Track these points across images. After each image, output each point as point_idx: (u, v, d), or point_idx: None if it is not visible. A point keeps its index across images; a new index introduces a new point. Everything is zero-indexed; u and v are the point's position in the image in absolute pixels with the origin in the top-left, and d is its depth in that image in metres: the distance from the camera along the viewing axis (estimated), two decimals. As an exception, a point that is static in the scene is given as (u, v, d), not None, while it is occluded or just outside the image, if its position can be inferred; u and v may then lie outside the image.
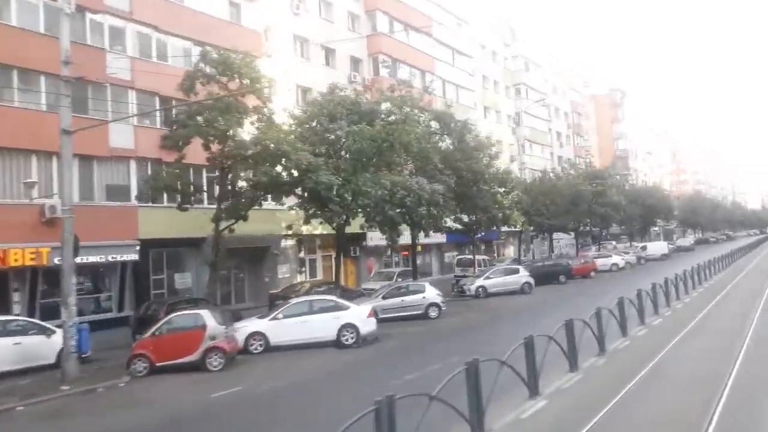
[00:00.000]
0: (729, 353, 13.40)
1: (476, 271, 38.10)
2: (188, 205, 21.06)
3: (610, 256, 48.13)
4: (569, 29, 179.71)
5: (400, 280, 31.54)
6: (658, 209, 67.30)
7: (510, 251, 58.69)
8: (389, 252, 40.66)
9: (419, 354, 17.87)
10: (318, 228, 27.17)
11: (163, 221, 25.40)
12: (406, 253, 43.22)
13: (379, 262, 41.00)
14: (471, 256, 41.09)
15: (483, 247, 54.34)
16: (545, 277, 37.77)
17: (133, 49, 26.07)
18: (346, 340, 19.25)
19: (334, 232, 26.26)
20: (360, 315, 19.66)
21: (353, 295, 27.72)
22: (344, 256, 38.22)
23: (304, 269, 33.66)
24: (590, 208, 48.39)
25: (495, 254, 56.11)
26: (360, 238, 35.45)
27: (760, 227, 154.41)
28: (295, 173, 18.94)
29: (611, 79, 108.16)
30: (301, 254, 34.06)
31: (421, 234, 33.48)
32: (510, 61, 62.77)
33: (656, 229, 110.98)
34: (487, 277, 34.04)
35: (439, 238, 40.62)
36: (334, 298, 20.26)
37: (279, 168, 19.11)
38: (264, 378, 15.74)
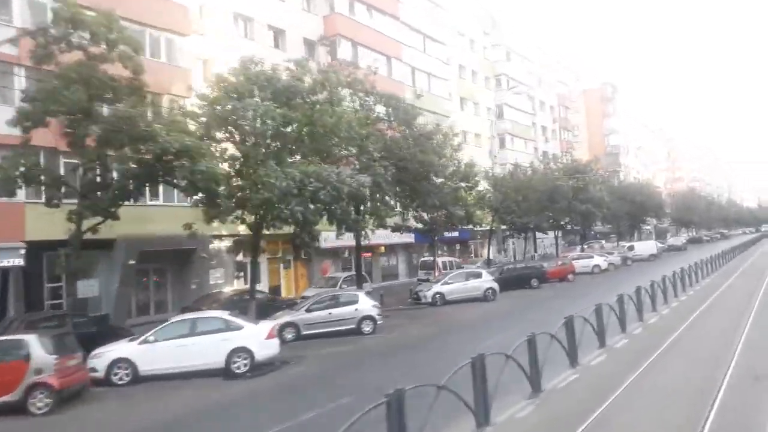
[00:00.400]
0: (701, 399, 9.73)
1: (437, 274, 34.39)
2: (58, 200, 17.27)
3: (592, 257, 44.41)
4: (559, 22, 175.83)
5: (344, 286, 27.81)
6: (647, 207, 63.50)
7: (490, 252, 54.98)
8: (347, 254, 36.94)
9: (324, 387, 14.15)
10: (239, 228, 23.38)
11: (59, 220, 21.67)
12: (369, 254, 39.65)
13: (336, 264, 37.25)
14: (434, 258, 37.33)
15: (458, 248, 50.72)
16: (516, 281, 34.06)
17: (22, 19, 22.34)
18: (237, 367, 15.56)
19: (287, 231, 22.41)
20: (256, 336, 15.93)
21: (281, 306, 24.03)
22: (295, 259, 34.72)
23: (241, 274, 29.88)
24: (570, 205, 44.67)
25: (472, 255, 52.43)
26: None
27: (755, 225, 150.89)
28: (171, 159, 15.13)
29: (602, 73, 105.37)
30: (239, 257, 30.26)
31: (383, 233, 30.19)
32: (490, 50, 58.96)
33: (649, 227, 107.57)
34: (445, 283, 30.30)
35: (405, 238, 36.99)
36: (224, 315, 16.48)
37: (154, 154, 15.26)
38: (100, 426, 12.04)
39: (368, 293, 24.80)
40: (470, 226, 36.80)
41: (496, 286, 30.74)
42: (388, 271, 42.02)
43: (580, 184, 44.14)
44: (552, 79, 72.60)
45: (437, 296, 29.36)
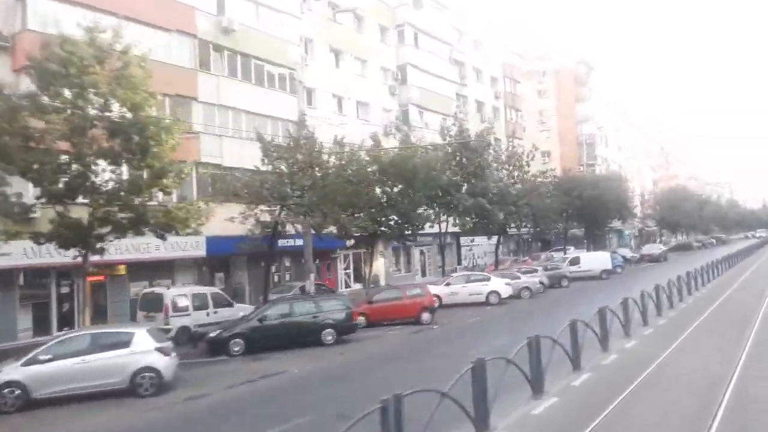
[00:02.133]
0: None
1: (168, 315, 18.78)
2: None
3: (487, 279, 28.47)
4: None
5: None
6: (607, 204, 46.85)
7: (380, 264, 39.24)
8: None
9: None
10: None
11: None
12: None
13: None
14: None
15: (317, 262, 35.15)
16: (288, 336, 18.23)
17: None
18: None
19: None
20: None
21: None
22: None
23: None
24: (454, 198, 28.70)
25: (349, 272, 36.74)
26: None
27: (760, 229, 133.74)
28: None
29: (582, 53, 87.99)
30: None
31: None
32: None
33: (629, 232, 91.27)
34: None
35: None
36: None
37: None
38: None
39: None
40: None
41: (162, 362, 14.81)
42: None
43: (468, 166, 28.29)
44: (495, 44, 56.61)
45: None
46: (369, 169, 24.29)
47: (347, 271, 37.03)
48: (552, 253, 56.67)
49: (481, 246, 50.59)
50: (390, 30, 42.15)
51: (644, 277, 38.74)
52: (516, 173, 34.04)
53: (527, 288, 29.87)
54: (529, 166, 35.18)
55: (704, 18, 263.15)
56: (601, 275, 39.17)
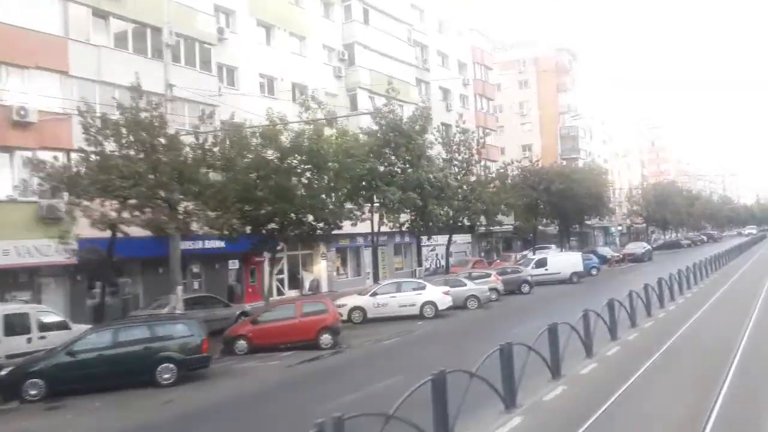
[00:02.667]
0: None
1: None
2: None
3: (422, 287, 23.46)
4: None
5: None
6: (578, 199, 41.84)
7: (321, 268, 34.56)
8: None
9: None
10: None
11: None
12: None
13: None
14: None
15: (237, 266, 30.43)
16: (109, 374, 13.46)
17: None
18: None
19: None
20: None
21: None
22: None
23: None
24: (377, 188, 23.59)
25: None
26: None
27: (754, 225, 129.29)
28: None
29: (565, 41, 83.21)
30: None
31: None
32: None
33: (619, 228, 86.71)
34: None
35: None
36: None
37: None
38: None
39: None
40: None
41: None
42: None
43: (404, 154, 23.28)
44: (463, 26, 51.87)
45: None
46: (268, 154, 19.47)
47: (280, 276, 32.33)
48: (530, 252, 52.16)
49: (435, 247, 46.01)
50: (335, 4, 37.41)
51: (620, 281, 34.26)
52: (465, 164, 29.34)
53: (474, 297, 25.22)
54: (480, 154, 30.52)
55: (701, 9, 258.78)
56: (571, 278, 34.54)
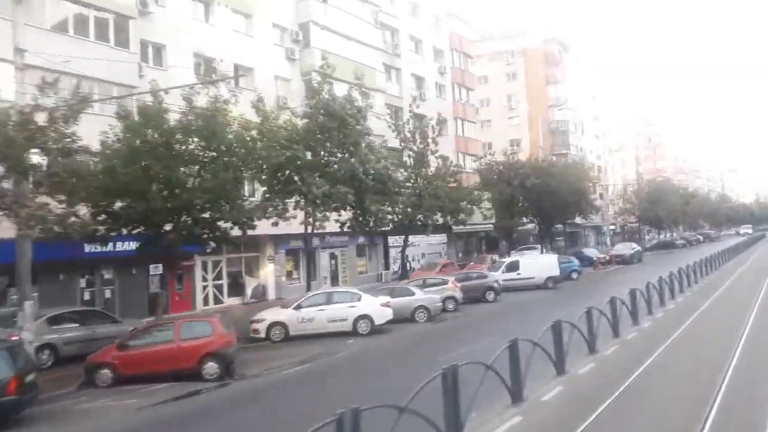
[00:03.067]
0: None
1: None
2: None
3: (357, 298, 19.53)
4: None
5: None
6: (560, 196, 38.04)
7: (268, 272, 30.93)
8: None
9: None
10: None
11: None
12: None
13: None
14: None
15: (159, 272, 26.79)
16: None
17: None
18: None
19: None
20: None
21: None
22: None
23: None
24: (298, 183, 19.64)
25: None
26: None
27: (752, 224, 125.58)
28: None
29: (556, 31, 79.44)
30: None
31: None
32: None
33: (613, 227, 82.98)
34: None
35: None
36: None
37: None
38: None
39: None
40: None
41: None
42: None
43: (343, 142, 19.35)
44: (441, 12, 48.19)
45: None
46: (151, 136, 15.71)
47: (219, 282, 28.73)
48: (514, 254, 48.50)
49: (419, 247, 42.42)
50: (287, -21, 33.73)
51: (601, 287, 30.79)
52: (420, 156, 25.67)
53: (423, 308, 21.62)
54: (436, 144, 26.91)
55: (703, 3, 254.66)
56: (546, 284, 30.95)
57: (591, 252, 46.76)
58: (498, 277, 30.39)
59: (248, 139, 17.80)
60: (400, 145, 26.29)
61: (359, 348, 17.63)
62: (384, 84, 38.94)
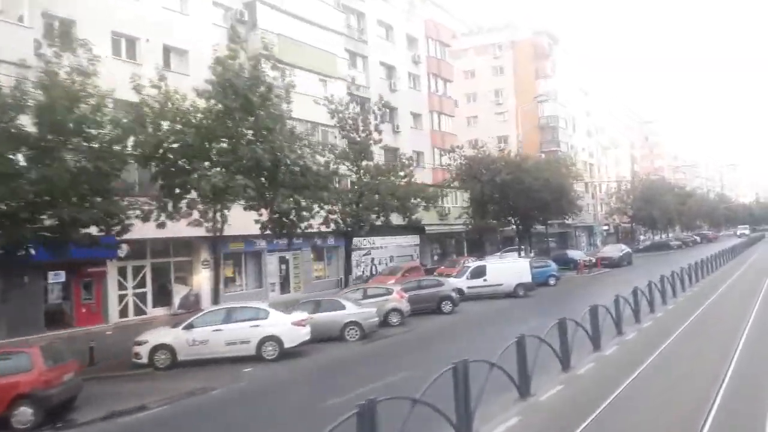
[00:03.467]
0: None
1: None
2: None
3: (264, 316, 15.92)
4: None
5: None
6: (536, 194, 34.04)
7: (202, 278, 27.54)
8: None
9: None
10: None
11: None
12: None
13: None
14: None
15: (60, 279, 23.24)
16: None
17: None
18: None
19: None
20: None
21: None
22: None
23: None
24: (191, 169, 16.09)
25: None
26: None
27: (752, 225, 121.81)
28: None
29: (545, 23, 75.78)
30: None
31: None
32: None
33: (607, 228, 79.34)
34: None
35: None
36: None
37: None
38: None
39: None
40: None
41: None
42: None
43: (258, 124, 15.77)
44: (414, -4, 44.62)
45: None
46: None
47: (141, 290, 25.25)
48: (493, 257, 44.93)
49: (386, 249, 38.97)
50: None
51: (580, 295, 27.43)
52: (361, 147, 22.09)
53: (354, 325, 18.15)
54: (379, 132, 23.34)
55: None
56: (516, 291, 27.45)
57: (576, 254, 43.30)
58: (460, 284, 27.01)
59: (125, 121, 14.35)
60: (340, 133, 22.84)
61: (252, 380, 14.16)
62: (346, 71, 35.49)
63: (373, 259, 37.21)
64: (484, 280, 27.49)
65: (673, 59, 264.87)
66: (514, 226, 37.91)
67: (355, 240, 36.07)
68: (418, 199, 23.57)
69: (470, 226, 34.59)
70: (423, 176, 37.58)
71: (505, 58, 70.50)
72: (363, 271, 35.81)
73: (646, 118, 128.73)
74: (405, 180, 23.12)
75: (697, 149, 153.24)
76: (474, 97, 70.66)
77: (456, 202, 42.27)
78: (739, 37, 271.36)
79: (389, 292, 20.98)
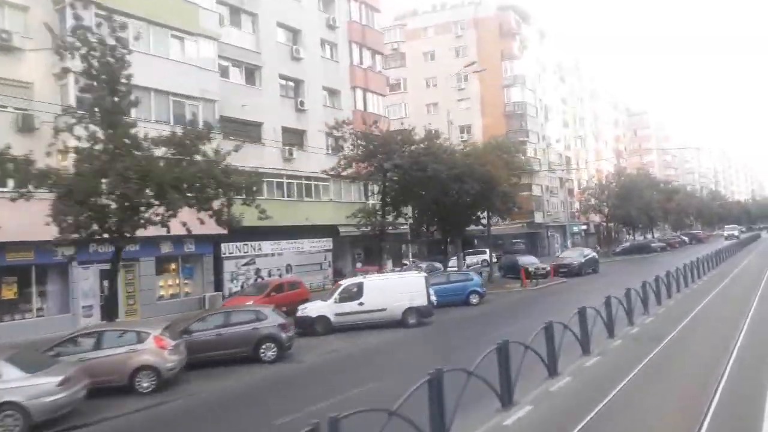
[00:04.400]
0: None
1: None
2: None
3: None
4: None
5: None
6: (447, 185, 24.79)
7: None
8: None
9: None
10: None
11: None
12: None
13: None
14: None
15: None
16: None
17: None
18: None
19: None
20: None
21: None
22: None
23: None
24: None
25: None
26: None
27: (747, 224, 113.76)
28: None
29: None
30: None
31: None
32: None
33: (581, 229, 71.15)
34: None
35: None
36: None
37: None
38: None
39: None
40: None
41: None
42: None
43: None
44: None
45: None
46: None
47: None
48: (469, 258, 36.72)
49: (283, 256, 30.80)
50: None
51: (502, 322, 19.29)
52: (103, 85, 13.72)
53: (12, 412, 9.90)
54: (126, 66, 14.91)
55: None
56: (405, 320, 19.28)
57: (528, 260, 35.01)
58: (325, 310, 18.87)
59: None
60: (56, 54, 14.39)
61: None
62: (217, 29, 27.32)
63: (258, 270, 29.04)
64: (360, 303, 19.23)
65: (669, 49, 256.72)
66: (426, 228, 29.51)
67: (231, 246, 28.06)
68: (227, 188, 14.97)
69: (368, 227, 26.41)
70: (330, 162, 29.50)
71: (467, 38, 62.56)
72: (243, 285, 27.62)
73: (635, 110, 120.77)
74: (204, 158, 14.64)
75: (691, 143, 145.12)
76: (434, 82, 62.72)
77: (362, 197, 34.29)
78: (740, 37, 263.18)
79: (142, 339, 12.59)
